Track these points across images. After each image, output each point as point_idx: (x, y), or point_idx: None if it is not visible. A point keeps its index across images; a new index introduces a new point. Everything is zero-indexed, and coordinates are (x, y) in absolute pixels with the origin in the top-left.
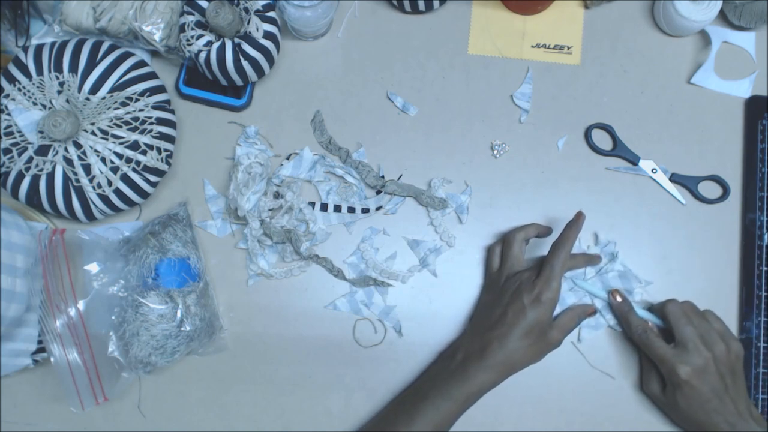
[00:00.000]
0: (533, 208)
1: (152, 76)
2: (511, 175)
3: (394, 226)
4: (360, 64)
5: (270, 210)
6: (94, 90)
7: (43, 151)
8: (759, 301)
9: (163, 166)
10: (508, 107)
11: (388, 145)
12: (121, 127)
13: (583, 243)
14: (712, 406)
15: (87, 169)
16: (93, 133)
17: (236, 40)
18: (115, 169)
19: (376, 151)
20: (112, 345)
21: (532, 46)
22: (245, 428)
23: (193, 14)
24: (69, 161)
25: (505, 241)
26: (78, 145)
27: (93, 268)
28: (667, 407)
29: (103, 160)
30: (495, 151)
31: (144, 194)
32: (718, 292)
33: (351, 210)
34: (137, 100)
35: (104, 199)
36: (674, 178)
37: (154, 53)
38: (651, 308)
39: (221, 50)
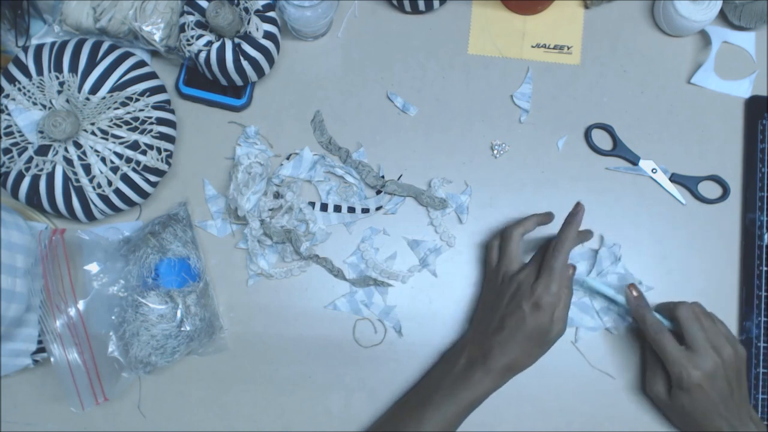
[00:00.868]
0: (533, 208)
1: (152, 76)
2: (511, 175)
3: (394, 226)
4: (360, 64)
5: (270, 210)
6: (94, 90)
7: (43, 151)
8: (759, 301)
9: (163, 166)
10: (508, 107)
11: (388, 145)
12: (121, 127)
13: (586, 245)
14: (718, 410)
15: (87, 169)
16: (93, 133)
17: (236, 40)
18: (115, 169)
19: (376, 151)
20: (112, 345)
21: (532, 46)
22: (245, 428)
23: (193, 14)
24: (69, 161)
25: (502, 236)
26: (78, 145)
27: (93, 268)
28: (670, 409)
29: (103, 160)
30: (495, 151)
31: (144, 194)
32: (718, 292)
33: (351, 210)
34: (137, 100)
35: (104, 199)
36: (674, 178)
37: (154, 53)
38: (659, 308)
39: (221, 50)
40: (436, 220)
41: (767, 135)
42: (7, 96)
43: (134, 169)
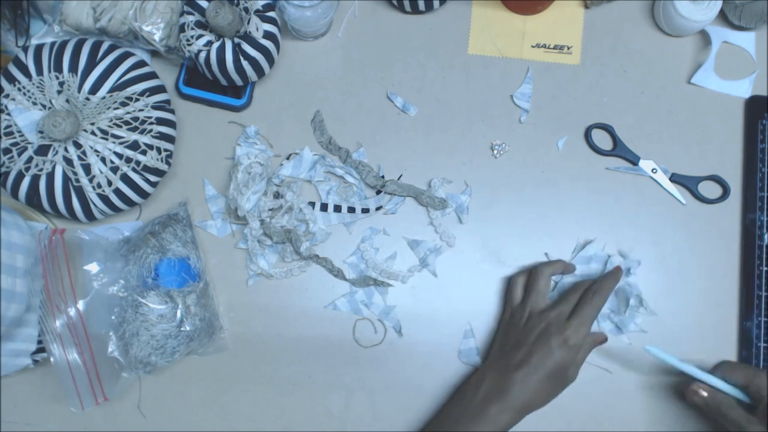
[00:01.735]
0: (533, 208)
1: (152, 76)
2: (511, 175)
3: (394, 226)
4: (360, 64)
5: (270, 210)
6: (94, 90)
7: (43, 151)
8: (759, 301)
9: (163, 166)
10: (508, 107)
11: (388, 145)
12: (121, 127)
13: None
14: None
15: (87, 169)
16: (93, 133)
17: (236, 40)
18: (115, 169)
19: (376, 151)
20: (112, 345)
21: (532, 46)
22: (245, 428)
23: (193, 14)
24: (69, 161)
25: (531, 274)
26: (78, 145)
27: (93, 268)
28: None
29: (103, 160)
30: (495, 151)
31: (144, 194)
32: (718, 292)
33: (351, 210)
34: (137, 100)
35: (104, 199)
36: (674, 178)
37: (154, 53)
38: (725, 369)
39: (221, 50)
40: (436, 220)
41: (767, 135)
42: (7, 96)
43: (134, 169)
